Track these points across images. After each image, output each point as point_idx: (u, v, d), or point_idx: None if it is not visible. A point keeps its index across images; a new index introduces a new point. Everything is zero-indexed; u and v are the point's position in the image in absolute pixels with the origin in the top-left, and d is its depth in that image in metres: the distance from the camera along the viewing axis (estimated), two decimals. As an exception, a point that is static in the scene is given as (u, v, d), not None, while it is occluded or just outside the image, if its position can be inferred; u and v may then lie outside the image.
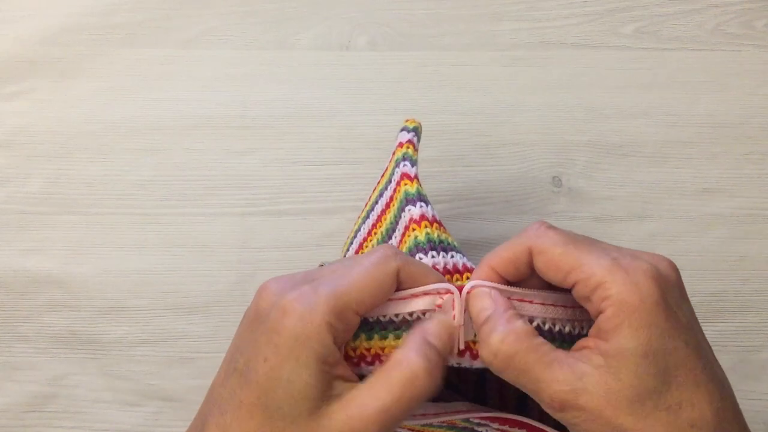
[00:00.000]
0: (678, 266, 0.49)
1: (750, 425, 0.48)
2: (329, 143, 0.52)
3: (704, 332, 0.48)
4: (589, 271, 0.26)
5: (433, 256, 0.31)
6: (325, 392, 0.26)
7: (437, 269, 0.31)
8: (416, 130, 0.38)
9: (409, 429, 0.34)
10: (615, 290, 0.26)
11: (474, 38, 0.54)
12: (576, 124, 0.52)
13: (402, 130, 0.38)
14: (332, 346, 0.26)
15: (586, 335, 0.29)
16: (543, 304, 0.29)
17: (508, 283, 0.29)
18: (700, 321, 0.49)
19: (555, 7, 0.54)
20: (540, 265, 0.28)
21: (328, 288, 0.26)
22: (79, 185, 0.51)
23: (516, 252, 0.28)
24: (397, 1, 0.54)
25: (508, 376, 0.27)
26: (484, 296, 0.28)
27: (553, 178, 0.51)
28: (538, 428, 0.31)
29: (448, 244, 0.32)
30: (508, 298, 0.29)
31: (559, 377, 0.26)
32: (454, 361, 0.29)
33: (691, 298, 0.49)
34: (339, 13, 0.54)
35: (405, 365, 0.26)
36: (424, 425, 0.33)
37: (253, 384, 0.26)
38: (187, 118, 0.52)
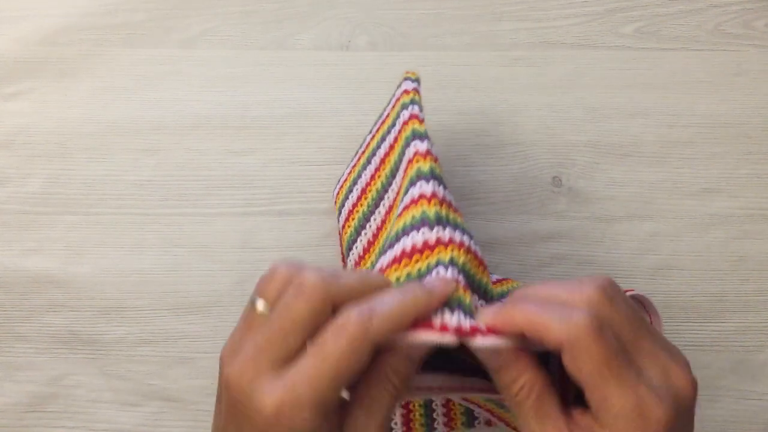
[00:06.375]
0: (678, 266, 0.50)
1: (750, 425, 0.48)
2: (329, 143, 0.52)
3: (704, 332, 0.49)
4: (608, 401, 0.26)
5: (433, 185, 0.31)
6: None
7: (436, 196, 0.31)
8: (418, 81, 0.39)
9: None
10: (621, 428, 0.26)
11: (474, 38, 0.54)
12: (576, 124, 0.52)
13: (405, 80, 0.39)
14: (325, 426, 0.26)
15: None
16: None
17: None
18: (700, 321, 0.49)
19: (555, 7, 0.54)
20: (567, 363, 0.26)
21: (307, 386, 0.25)
22: (79, 185, 0.51)
23: (549, 335, 0.26)
24: (397, 1, 0.54)
25: (513, 410, 0.28)
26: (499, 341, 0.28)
27: (553, 178, 0.51)
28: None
29: (444, 180, 0.33)
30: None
31: None
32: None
33: (691, 298, 0.50)
34: (339, 13, 0.54)
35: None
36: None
37: None
38: (187, 118, 0.52)
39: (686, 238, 0.50)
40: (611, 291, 0.28)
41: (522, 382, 0.28)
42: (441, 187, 0.32)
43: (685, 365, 0.28)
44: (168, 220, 0.50)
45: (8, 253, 0.50)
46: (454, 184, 0.51)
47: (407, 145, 0.34)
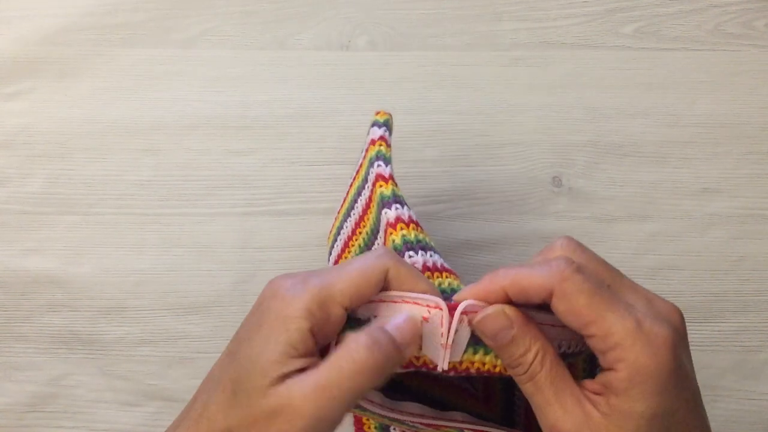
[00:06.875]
0: (678, 266, 0.50)
1: (750, 425, 0.48)
2: (329, 143, 0.52)
3: (704, 332, 0.49)
4: (610, 329, 0.26)
5: (410, 256, 0.31)
6: (285, 375, 0.27)
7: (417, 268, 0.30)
8: (387, 124, 0.37)
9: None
10: (633, 356, 0.26)
11: (474, 38, 0.54)
12: (576, 124, 0.52)
13: (373, 125, 0.37)
14: (306, 333, 0.27)
15: (576, 353, 0.29)
16: (552, 325, 0.28)
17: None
18: (700, 321, 0.49)
19: (555, 7, 0.54)
20: (560, 308, 0.27)
21: (318, 280, 0.28)
22: (79, 185, 0.51)
23: (535, 285, 0.27)
24: (397, 1, 0.54)
25: (528, 390, 0.28)
26: (501, 317, 0.28)
27: (553, 178, 0.51)
28: None
29: (426, 243, 0.32)
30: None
31: (567, 408, 0.27)
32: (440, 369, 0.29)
33: (691, 298, 0.50)
34: (339, 13, 0.54)
35: (349, 343, 0.27)
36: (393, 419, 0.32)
37: (235, 362, 0.28)
38: (187, 118, 0.52)
39: (686, 238, 0.50)
40: (576, 243, 0.29)
41: (535, 351, 0.27)
42: (420, 253, 0.31)
43: (665, 300, 0.29)
44: (168, 220, 0.50)
45: (8, 253, 0.50)
46: (455, 184, 0.51)
47: (380, 212, 0.33)
